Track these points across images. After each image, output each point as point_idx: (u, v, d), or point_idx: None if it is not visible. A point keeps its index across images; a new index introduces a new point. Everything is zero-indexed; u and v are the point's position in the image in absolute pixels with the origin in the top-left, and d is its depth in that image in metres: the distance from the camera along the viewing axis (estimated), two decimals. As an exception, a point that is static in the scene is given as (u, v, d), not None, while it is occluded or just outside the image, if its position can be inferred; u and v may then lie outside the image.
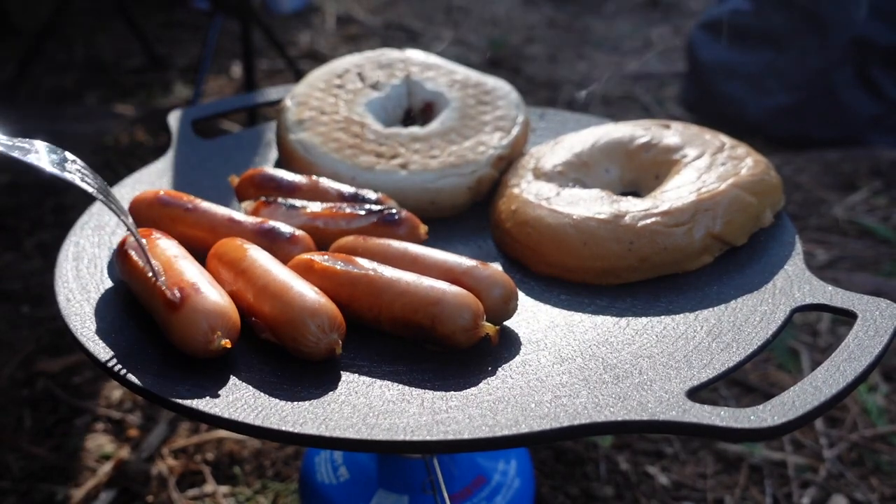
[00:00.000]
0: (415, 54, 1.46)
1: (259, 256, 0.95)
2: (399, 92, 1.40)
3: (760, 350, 0.86)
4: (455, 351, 0.88)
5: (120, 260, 0.97)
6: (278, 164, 1.35)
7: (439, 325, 0.86)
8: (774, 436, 0.71)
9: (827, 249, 2.56)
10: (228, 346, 0.84)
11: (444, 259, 0.96)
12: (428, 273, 0.93)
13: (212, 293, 0.87)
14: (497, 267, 1.04)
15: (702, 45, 3.49)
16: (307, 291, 0.87)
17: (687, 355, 0.86)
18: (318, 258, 0.95)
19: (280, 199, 1.10)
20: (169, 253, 0.94)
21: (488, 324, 0.88)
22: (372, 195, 1.14)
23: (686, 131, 1.22)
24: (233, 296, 0.91)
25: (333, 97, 1.36)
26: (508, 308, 0.93)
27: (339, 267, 0.93)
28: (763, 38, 3.28)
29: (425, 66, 1.44)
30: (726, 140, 1.18)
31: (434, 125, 1.31)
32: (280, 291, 0.88)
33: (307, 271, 0.94)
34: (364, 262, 0.94)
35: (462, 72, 1.42)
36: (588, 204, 1.09)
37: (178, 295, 0.85)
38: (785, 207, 1.14)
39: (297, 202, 1.10)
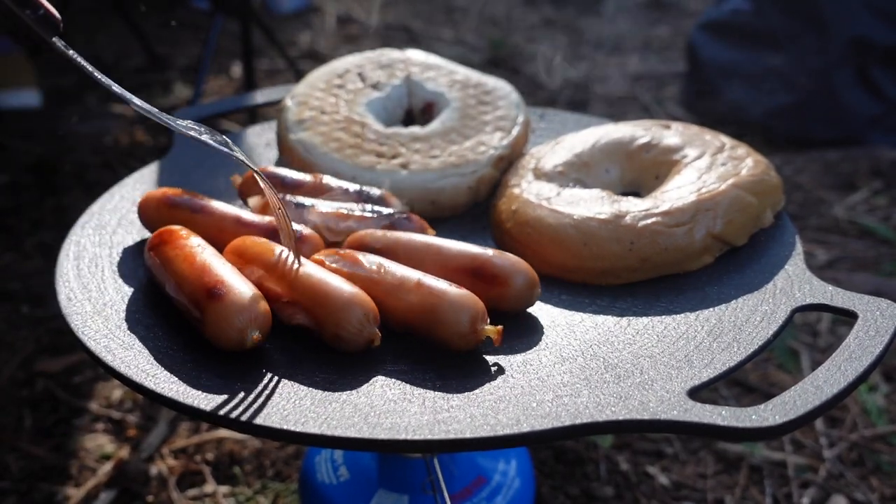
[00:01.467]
0: (415, 54, 1.46)
1: (285, 251, 0.96)
2: (399, 92, 1.39)
3: (761, 350, 0.86)
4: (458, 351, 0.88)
5: (154, 250, 0.97)
6: (278, 164, 1.35)
7: (438, 329, 0.87)
8: (775, 435, 0.72)
9: (827, 249, 2.56)
10: (258, 339, 0.85)
11: (467, 249, 0.98)
12: (450, 263, 0.95)
13: (248, 288, 0.88)
14: None
15: (702, 45, 3.49)
16: (345, 284, 0.89)
17: (688, 355, 0.86)
18: (328, 259, 0.96)
19: (288, 197, 1.10)
20: (197, 248, 0.94)
21: (490, 326, 0.88)
22: (376, 192, 1.14)
23: (686, 131, 1.22)
24: (259, 288, 0.92)
25: (334, 97, 1.36)
26: (533, 294, 0.95)
27: (346, 269, 0.94)
28: (763, 38, 3.28)
29: (426, 66, 1.44)
30: (726, 140, 1.18)
31: (434, 125, 1.31)
32: (321, 281, 0.90)
33: None
34: (371, 265, 0.94)
35: (462, 72, 1.42)
36: (589, 204, 1.09)
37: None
38: (785, 207, 1.14)
39: (306, 200, 1.10)
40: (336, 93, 1.37)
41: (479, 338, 0.87)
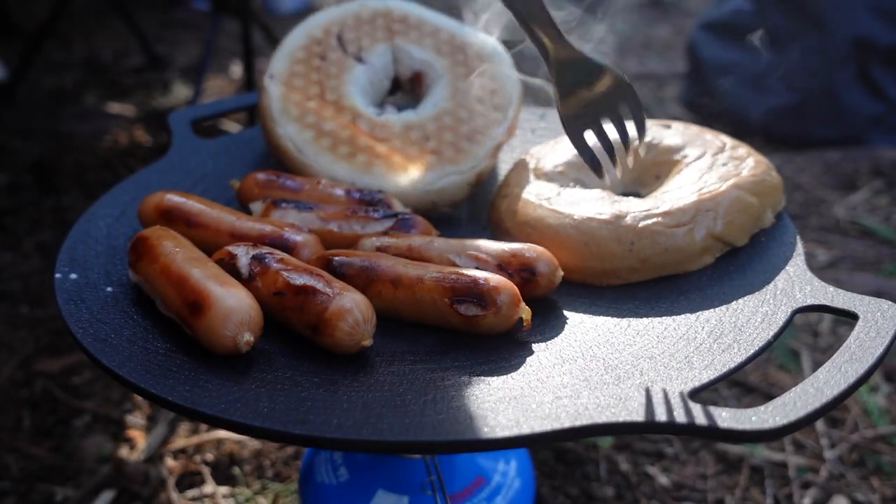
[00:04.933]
0: (396, 6, 1.36)
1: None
2: (384, 60, 1.32)
3: (762, 351, 0.86)
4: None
5: (134, 267, 0.97)
6: (271, 161, 1.34)
7: (477, 315, 0.89)
8: (776, 437, 0.71)
9: (828, 250, 2.56)
10: (250, 342, 0.85)
11: (490, 244, 1.01)
12: (478, 256, 0.99)
13: (232, 293, 0.87)
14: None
15: (702, 45, 3.49)
16: (330, 286, 0.90)
17: (688, 356, 0.86)
18: (340, 259, 0.98)
19: (291, 201, 1.10)
20: (170, 256, 0.93)
21: (525, 307, 0.90)
22: (378, 195, 1.13)
23: (687, 131, 1.21)
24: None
25: (316, 74, 1.28)
26: (556, 276, 0.98)
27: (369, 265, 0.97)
28: (763, 38, 3.28)
29: (408, 23, 1.35)
30: (727, 140, 1.18)
31: (427, 109, 1.27)
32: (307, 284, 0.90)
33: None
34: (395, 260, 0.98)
35: (447, 31, 1.34)
36: (589, 204, 1.09)
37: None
38: (786, 207, 1.13)
39: (309, 204, 1.09)
40: (318, 66, 1.28)
41: (514, 320, 0.90)
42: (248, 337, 0.85)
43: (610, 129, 1.01)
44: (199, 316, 0.85)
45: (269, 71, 1.31)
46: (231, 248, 0.97)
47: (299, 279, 0.90)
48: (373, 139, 1.22)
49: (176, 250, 0.94)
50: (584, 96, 0.90)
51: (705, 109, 3.48)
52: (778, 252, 1.05)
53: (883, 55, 3.11)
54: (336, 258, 0.97)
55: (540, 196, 1.13)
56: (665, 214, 1.04)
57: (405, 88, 1.35)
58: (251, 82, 3.07)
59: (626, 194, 1.16)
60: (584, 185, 1.18)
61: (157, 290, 0.92)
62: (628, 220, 1.04)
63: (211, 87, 3.83)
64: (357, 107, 1.26)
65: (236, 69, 4.07)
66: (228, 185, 1.25)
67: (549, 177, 1.18)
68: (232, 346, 0.85)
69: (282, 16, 4.89)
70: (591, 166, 0.93)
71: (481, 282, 0.90)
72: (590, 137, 1.01)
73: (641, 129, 0.96)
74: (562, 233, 1.06)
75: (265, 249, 0.96)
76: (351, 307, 0.86)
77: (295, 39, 1.34)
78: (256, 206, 1.12)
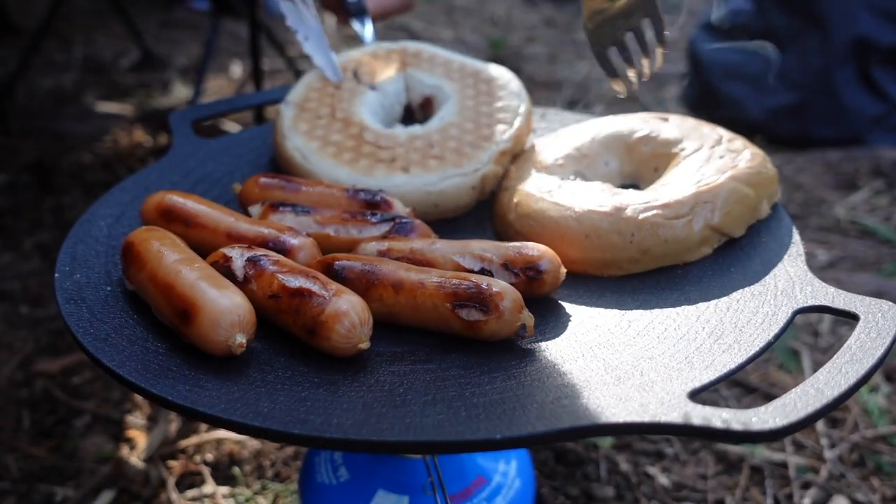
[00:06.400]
0: (410, 45, 1.44)
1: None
2: (396, 86, 1.36)
3: (762, 352, 0.86)
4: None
5: (126, 274, 0.96)
6: (277, 167, 1.35)
7: (478, 321, 0.88)
8: (777, 438, 0.71)
9: (828, 250, 2.56)
10: (243, 345, 0.85)
11: (493, 244, 1.00)
12: (483, 256, 0.98)
13: (219, 296, 0.86)
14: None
15: (702, 45, 3.49)
16: (326, 288, 0.89)
17: (689, 356, 0.86)
18: (343, 263, 0.97)
19: (288, 204, 1.09)
20: (156, 261, 0.92)
21: (527, 314, 0.89)
22: (378, 197, 1.13)
23: (684, 124, 1.22)
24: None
25: (329, 97, 1.34)
26: (560, 274, 0.98)
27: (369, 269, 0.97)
28: (764, 38, 3.28)
29: (422, 57, 1.41)
30: (724, 133, 1.19)
31: (433, 123, 1.29)
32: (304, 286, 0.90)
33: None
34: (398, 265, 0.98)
35: (459, 60, 1.39)
36: (590, 197, 1.09)
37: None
38: (786, 207, 1.13)
39: (306, 207, 1.09)
40: (331, 93, 1.35)
41: (517, 326, 0.89)
42: (240, 339, 0.84)
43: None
44: (190, 323, 0.85)
45: (286, 98, 1.37)
46: (226, 251, 0.96)
47: (294, 282, 0.89)
48: (377, 147, 1.23)
49: (162, 254, 0.92)
50: (608, 13, 0.92)
51: (705, 109, 3.48)
52: (779, 252, 1.05)
53: (883, 55, 3.11)
54: (338, 262, 0.97)
55: (541, 189, 1.13)
56: (664, 206, 1.05)
57: (417, 117, 1.38)
58: (259, 83, 3.04)
59: (625, 186, 1.16)
60: (585, 178, 1.18)
61: (148, 298, 0.92)
62: (629, 212, 1.05)
63: (211, 87, 3.82)
64: (365, 122, 1.29)
65: (236, 69, 4.07)
66: (229, 185, 1.25)
67: (549, 170, 1.18)
68: (225, 350, 0.84)
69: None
70: (609, 76, 0.94)
71: (484, 286, 0.89)
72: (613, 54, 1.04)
73: (661, 40, 1.00)
74: (563, 225, 1.06)
75: (260, 252, 0.95)
76: (347, 309, 0.85)
77: (313, 73, 1.41)
78: (255, 209, 1.12)
